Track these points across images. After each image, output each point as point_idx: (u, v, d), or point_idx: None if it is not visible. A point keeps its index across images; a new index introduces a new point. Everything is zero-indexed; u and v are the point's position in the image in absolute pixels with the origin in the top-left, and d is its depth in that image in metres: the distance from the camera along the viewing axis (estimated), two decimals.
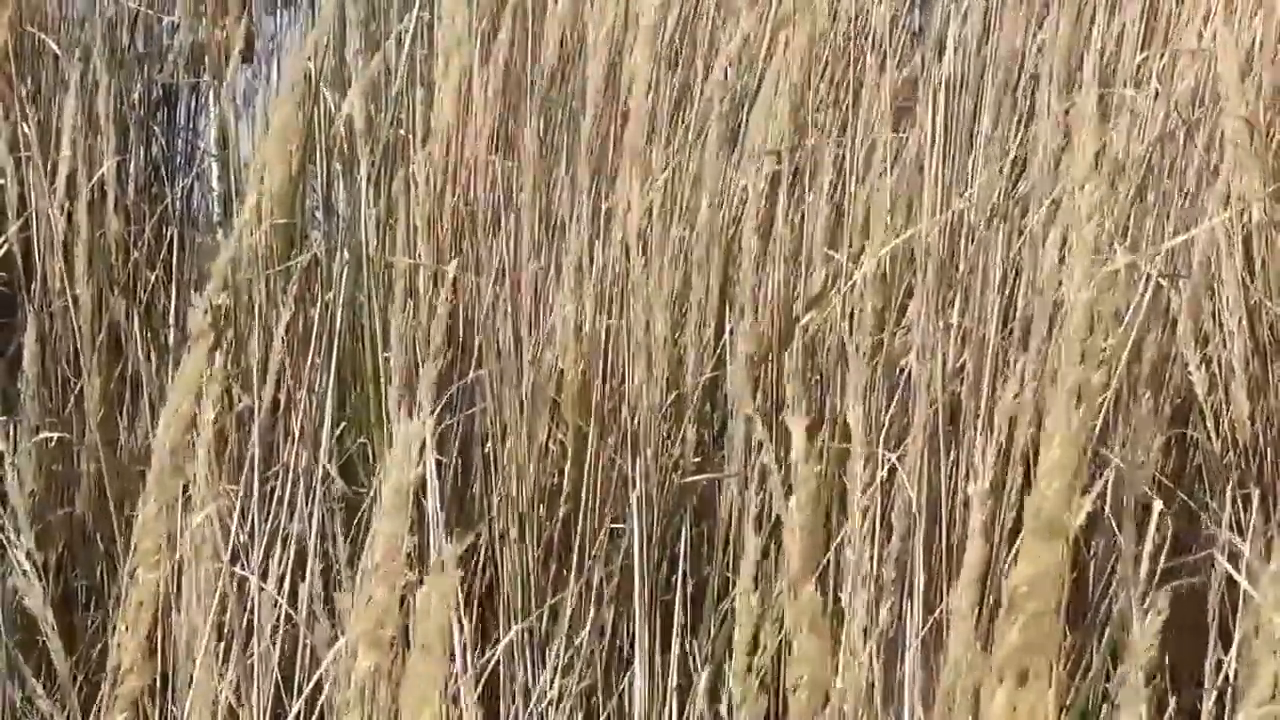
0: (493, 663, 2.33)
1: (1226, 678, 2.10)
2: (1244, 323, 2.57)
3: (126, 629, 1.51)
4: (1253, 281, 2.61)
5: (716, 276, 2.55)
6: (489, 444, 2.53)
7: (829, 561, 2.06)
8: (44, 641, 2.40)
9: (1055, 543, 1.36)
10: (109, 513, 2.75)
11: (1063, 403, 1.38)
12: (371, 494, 2.63)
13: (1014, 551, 1.87)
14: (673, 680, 2.26)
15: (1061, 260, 2.25)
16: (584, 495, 2.44)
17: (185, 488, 2.03)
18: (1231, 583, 2.24)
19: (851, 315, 2.35)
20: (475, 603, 2.53)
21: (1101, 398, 2.25)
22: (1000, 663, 1.38)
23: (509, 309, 2.48)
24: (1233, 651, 2.05)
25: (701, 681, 2.08)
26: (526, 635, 2.43)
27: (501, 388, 2.46)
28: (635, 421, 2.41)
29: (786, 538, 1.53)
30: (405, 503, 1.48)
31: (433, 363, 1.75)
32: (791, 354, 2.39)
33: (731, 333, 2.47)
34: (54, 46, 3.39)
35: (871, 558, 2.07)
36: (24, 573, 2.16)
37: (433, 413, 2.18)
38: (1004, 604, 1.40)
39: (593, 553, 2.43)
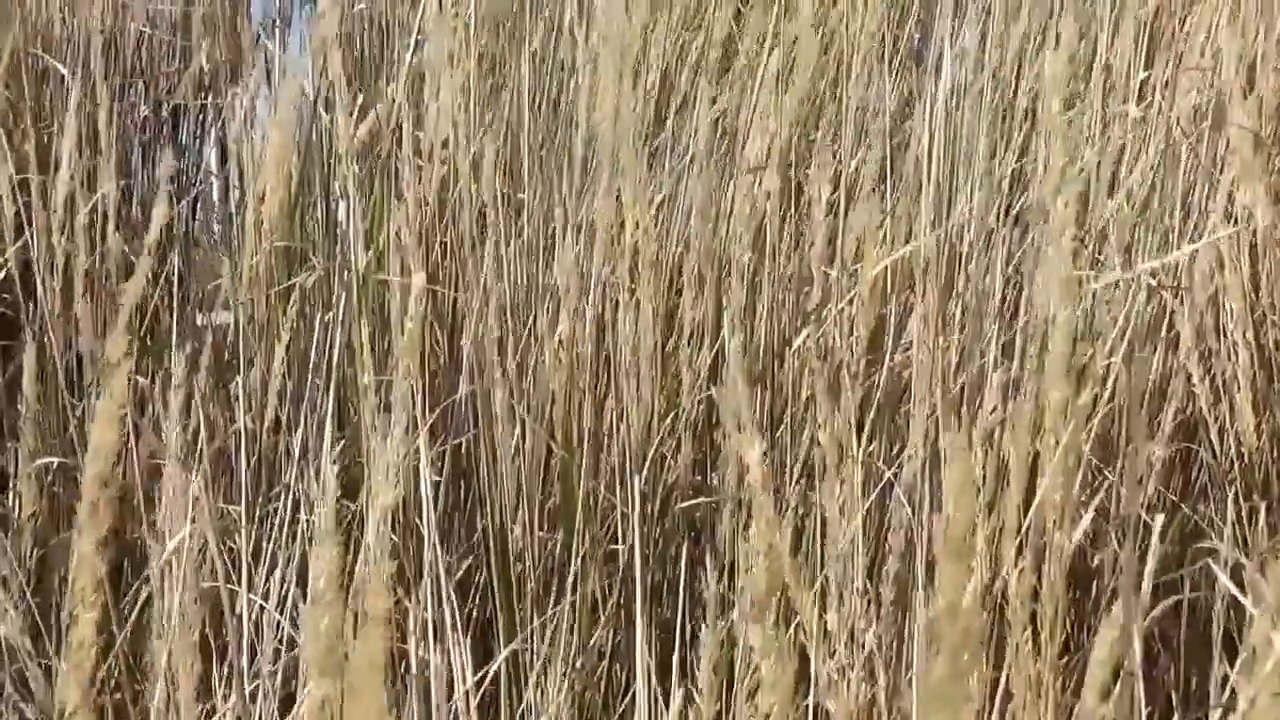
0: (490, 684, 2.32)
1: (1233, 694, 2.07)
2: (1249, 335, 2.55)
3: (69, 670, 1.48)
4: (1257, 294, 2.59)
5: (712, 294, 2.54)
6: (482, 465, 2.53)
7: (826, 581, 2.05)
8: (47, 665, 2.40)
9: (964, 567, 1.33)
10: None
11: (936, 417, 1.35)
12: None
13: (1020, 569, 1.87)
14: (675, 703, 2.25)
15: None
16: (579, 517, 2.43)
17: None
18: (1236, 598, 2.22)
19: (850, 332, 2.34)
20: (474, 625, 2.52)
21: (1100, 413, 2.23)
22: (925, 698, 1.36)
23: (495, 328, 2.48)
24: (1238, 667, 2.03)
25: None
26: (525, 657, 2.42)
27: (489, 408, 2.45)
28: (631, 442, 2.40)
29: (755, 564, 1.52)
30: (337, 528, 1.46)
31: (403, 380, 1.74)
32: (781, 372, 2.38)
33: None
34: (59, 67, 3.39)
35: (869, 576, 2.06)
36: None
37: (416, 432, 2.17)
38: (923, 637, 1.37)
39: (589, 574, 2.42)
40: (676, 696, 2.08)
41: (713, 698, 1.63)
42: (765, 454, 1.57)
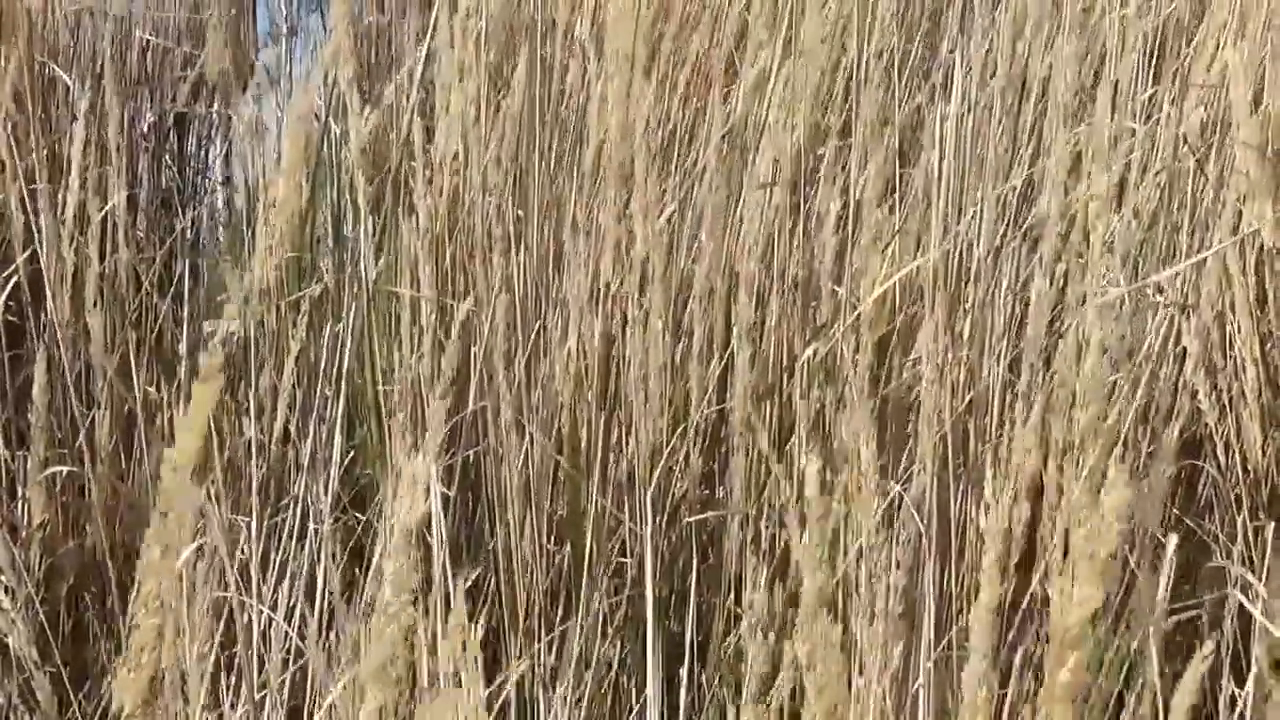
0: (502, 696, 2.32)
1: (1241, 714, 2.08)
2: (1255, 352, 2.56)
3: (129, 672, 1.49)
4: (1264, 311, 2.60)
5: (721, 307, 2.54)
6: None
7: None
8: (59, 673, 2.41)
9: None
10: (120, 544, 2.75)
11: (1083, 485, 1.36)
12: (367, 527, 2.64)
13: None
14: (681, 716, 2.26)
15: (1062, 290, 2.26)
16: (589, 529, 2.44)
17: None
18: (1242, 615, 2.23)
19: (858, 348, 2.34)
20: (484, 637, 2.52)
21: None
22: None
23: (507, 342, 2.48)
24: (1248, 686, 2.04)
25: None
26: (534, 669, 2.42)
27: (498, 422, 2.46)
28: (640, 455, 2.41)
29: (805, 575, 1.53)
30: (410, 542, 1.47)
31: (440, 400, 1.75)
32: (797, 387, 2.39)
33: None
34: (66, 78, 3.39)
35: (885, 589, 2.07)
36: (4, 610, 2.16)
37: (439, 449, 2.17)
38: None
39: (597, 587, 2.43)
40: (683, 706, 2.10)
41: (761, 712, 1.64)
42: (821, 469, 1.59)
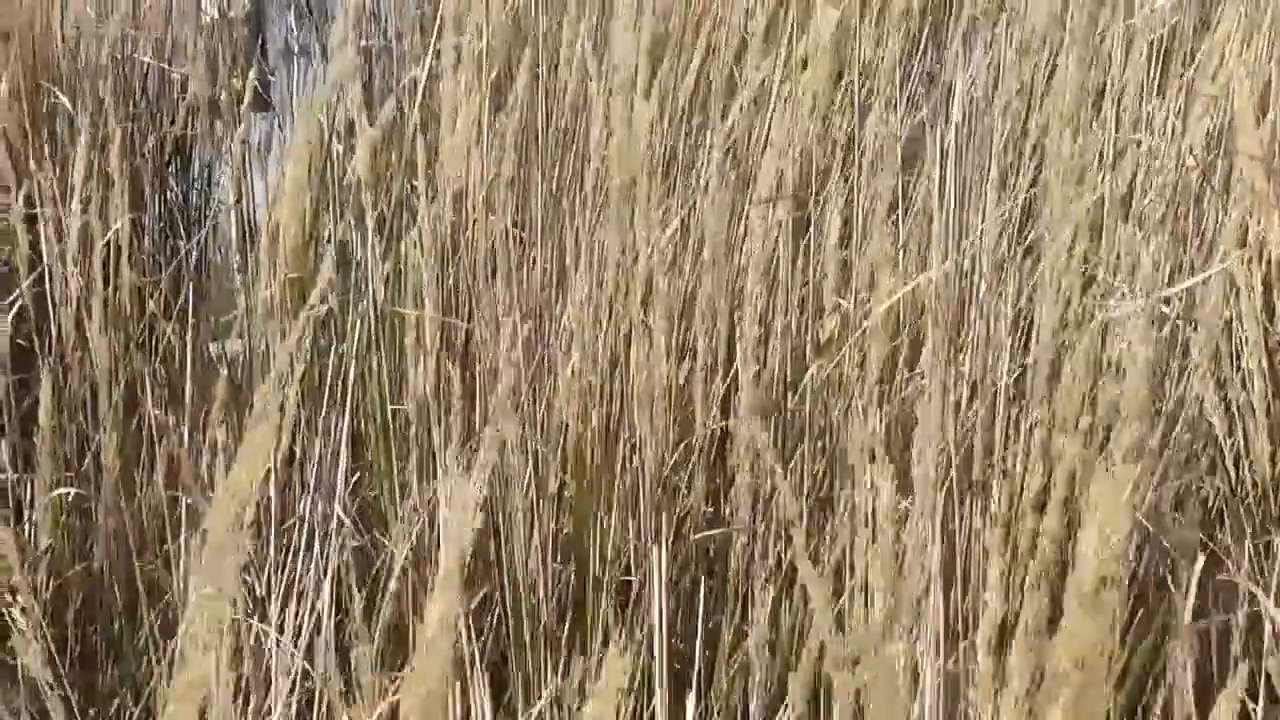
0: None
1: None
2: (1263, 363, 2.54)
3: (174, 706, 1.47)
4: (1272, 322, 2.59)
5: (724, 325, 2.54)
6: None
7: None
8: (63, 697, 2.40)
9: (1101, 619, 1.34)
10: (128, 567, 2.75)
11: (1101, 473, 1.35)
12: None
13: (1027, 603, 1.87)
14: None
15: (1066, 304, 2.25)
16: (593, 549, 2.44)
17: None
18: (1253, 629, 2.22)
19: (862, 363, 2.34)
20: (490, 662, 2.52)
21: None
22: None
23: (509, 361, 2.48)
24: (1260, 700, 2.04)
25: None
26: (542, 688, 2.42)
27: (509, 441, 2.45)
28: (644, 474, 2.41)
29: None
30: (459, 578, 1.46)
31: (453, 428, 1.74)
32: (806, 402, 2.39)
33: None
34: (67, 104, 3.39)
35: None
36: (21, 632, 2.15)
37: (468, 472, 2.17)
38: (1047, 679, 1.38)
39: (601, 606, 2.43)
40: None
41: None
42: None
